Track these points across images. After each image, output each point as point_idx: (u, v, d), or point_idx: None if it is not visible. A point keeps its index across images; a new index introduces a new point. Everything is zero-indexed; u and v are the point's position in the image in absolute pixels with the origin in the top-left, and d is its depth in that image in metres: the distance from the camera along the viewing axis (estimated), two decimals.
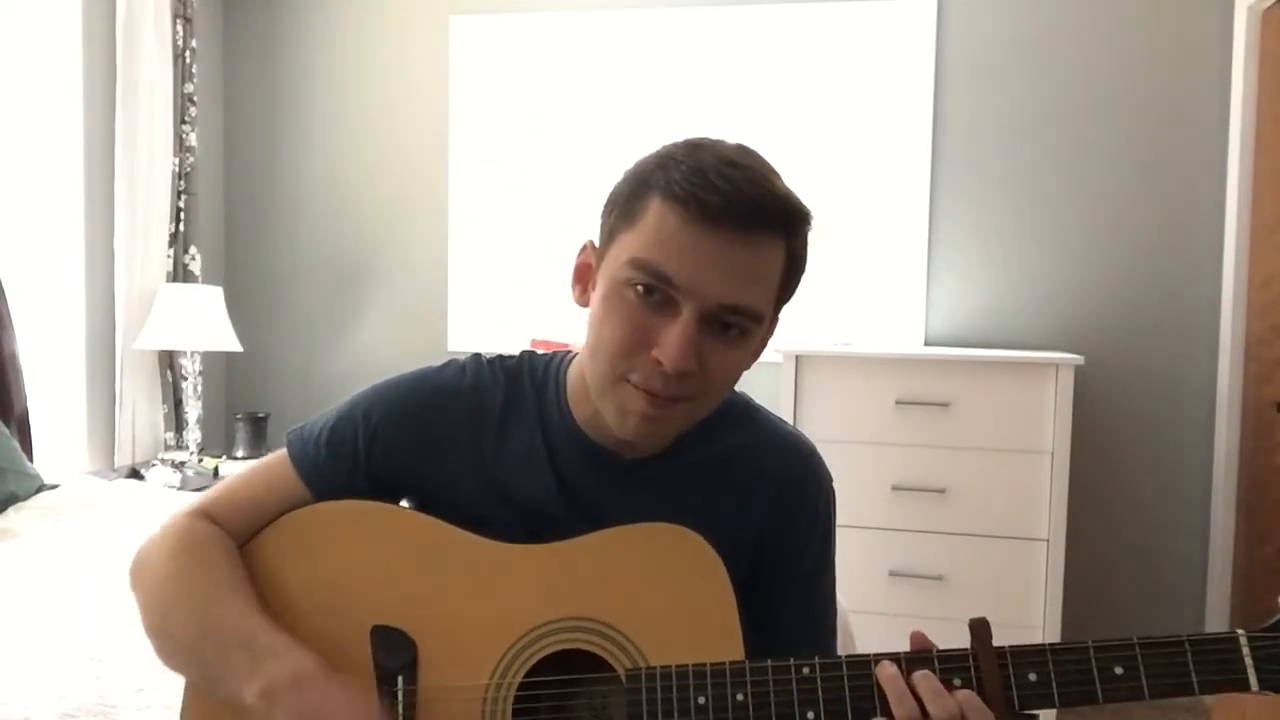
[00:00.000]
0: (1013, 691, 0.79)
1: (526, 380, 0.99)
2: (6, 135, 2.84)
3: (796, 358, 2.69)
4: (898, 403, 2.64)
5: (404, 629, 0.90)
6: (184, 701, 0.92)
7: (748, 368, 0.91)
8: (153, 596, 0.92)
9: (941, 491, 2.62)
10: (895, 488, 2.64)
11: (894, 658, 0.81)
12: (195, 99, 3.29)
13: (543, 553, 0.91)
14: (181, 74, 3.25)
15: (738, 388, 0.99)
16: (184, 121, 3.26)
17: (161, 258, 3.20)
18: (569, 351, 1.01)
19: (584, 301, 0.92)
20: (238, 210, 3.61)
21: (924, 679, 0.79)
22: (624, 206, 0.86)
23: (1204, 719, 2.77)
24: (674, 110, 3.19)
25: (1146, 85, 2.95)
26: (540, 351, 1.03)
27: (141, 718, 1.31)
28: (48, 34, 2.89)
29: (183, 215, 3.26)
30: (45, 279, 2.93)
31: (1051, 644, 0.80)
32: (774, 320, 0.93)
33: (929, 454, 2.63)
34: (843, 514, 2.76)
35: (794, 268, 0.90)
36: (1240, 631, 0.77)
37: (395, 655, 0.88)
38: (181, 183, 3.25)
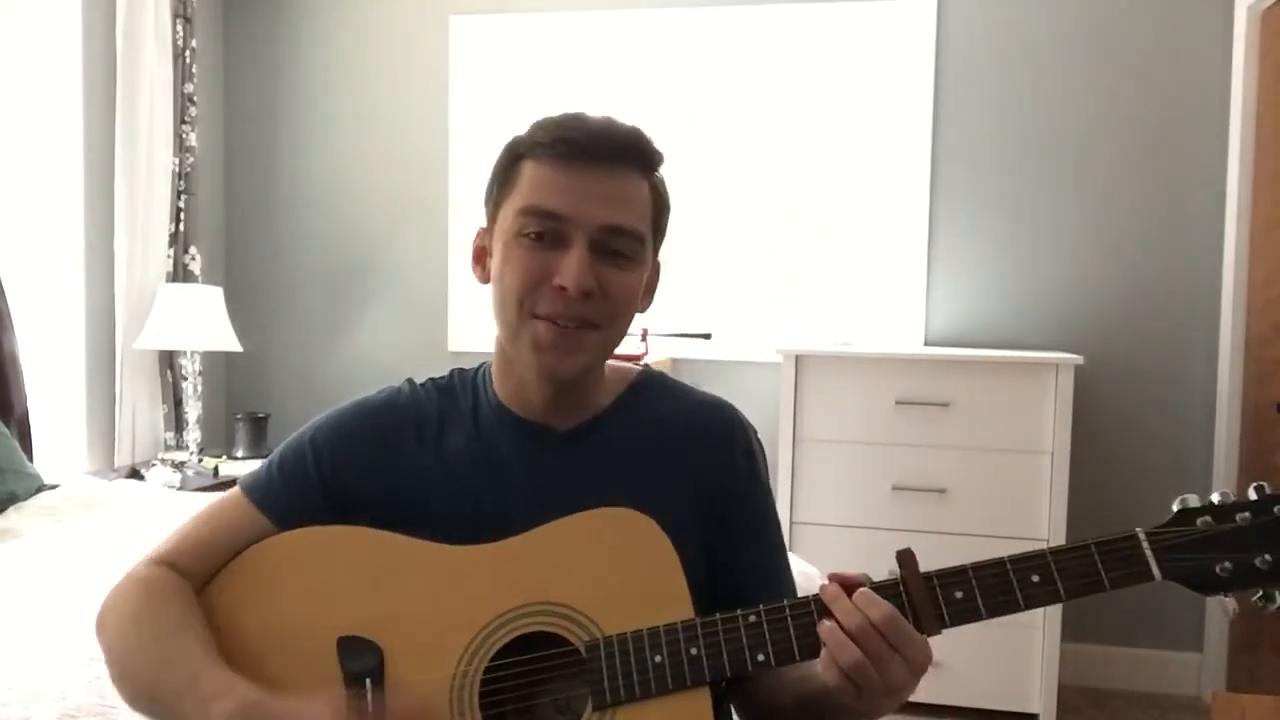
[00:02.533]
0: (942, 609, 0.85)
1: (458, 390, 1.07)
2: (6, 135, 2.84)
3: (796, 358, 2.69)
4: (898, 403, 2.64)
5: (369, 637, 0.92)
6: None
7: (645, 306, 1.02)
8: (113, 646, 0.94)
9: (941, 491, 2.62)
10: (895, 488, 2.64)
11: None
12: (195, 99, 3.29)
13: (497, 550, 0.94)
14: (181, 74, 3.25)
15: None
16: (184, 121, 3.26)
17: (161, 258, 3.20)
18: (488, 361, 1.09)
19: (484, 277, 1.01)
20: (238, 210, 3.61)
21: (862, 593, 0.84)
22: (501, 179, 0.98)
23: (1204, 718, 2.77)
24: (674, 110, 3.19)
25: (1146, 85, 2.95)
26: (465, 367, 1.11)
27: (139, 719, 1.31)
28: (48, 34, 2.89)
29: (183, 215, 3.25)
30: (45, 279, 2.93)
31: (972, 563, 0.86)
32: (656, 262, 1.03)
33: (929, 454, 2.63)
34: (843, 514, 2.76)
35: (660, 206, 1.00)
36: (1139, 529, 0.84)
37: (362, 661, 0.91)
38: (181, 183, 3.25)
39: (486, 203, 1.01)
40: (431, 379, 1.08)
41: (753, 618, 0.87)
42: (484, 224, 1.02)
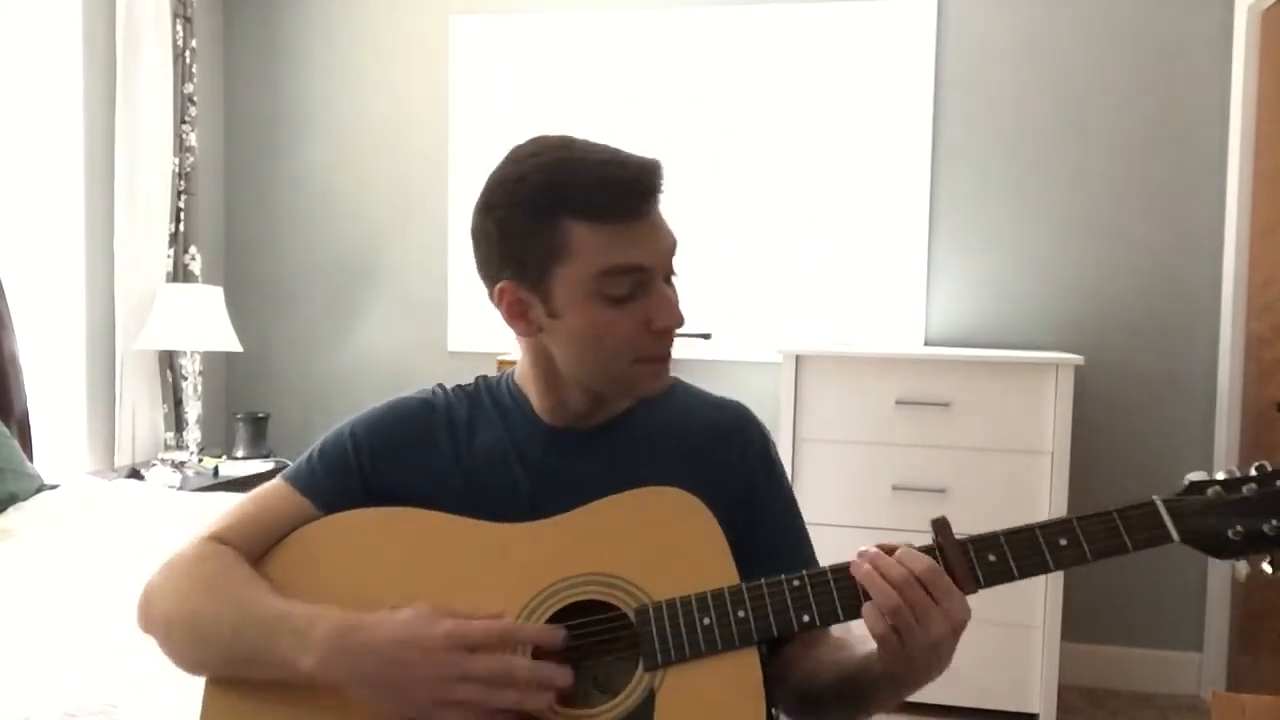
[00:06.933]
0: (977, 570, 0.90)
1: (484, 395, 1.12)
2: (7, 135, 2.84)
3: (796, 358, 2.69)
4: (898, 403, 2.64)
5: None
6: (205, 702, 0.95)
7: None
8: (176, 613, 0.96)
9: (941, 491, 2.62)
10: (895, 488, 2.64)
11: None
12: (195, 99, 3.29)
13: (544, 525, 0.98)
14: (181, 74, 3.25)
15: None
16: (184, 121, 3.26)
17: (161, 258, 3.20)
18: (511, 369, 1.13)
19: (531, 331, 1.02)
20: (238, 210, 3.61)
21: (903, 550, 0.90)
22: (543, 246, 0.95)
23: (1204, 718, 2.77)
24: (673, 110, 3.19)
25: (1146, 85, 2.95)
26: (489, 374, 1.16)
27: (141, 718, 1.31)
28: (48, 34, 2.89)
29: (183, 215, 3.25)
30: (45, 279, 2.93)
31: (1003, 530, 0.91)
32: None
33: (929, 454, 2.63)
34: (843, 514, 2.76)
35: None
36: (1155, 497, 0.92)
37: None
38: (181, 183, 3.25)
39: (511, 263, 0.98)
40: (459, 385, 1.14)
41: (796, 582, 0.91)
42: (508, 280, 0.99)
